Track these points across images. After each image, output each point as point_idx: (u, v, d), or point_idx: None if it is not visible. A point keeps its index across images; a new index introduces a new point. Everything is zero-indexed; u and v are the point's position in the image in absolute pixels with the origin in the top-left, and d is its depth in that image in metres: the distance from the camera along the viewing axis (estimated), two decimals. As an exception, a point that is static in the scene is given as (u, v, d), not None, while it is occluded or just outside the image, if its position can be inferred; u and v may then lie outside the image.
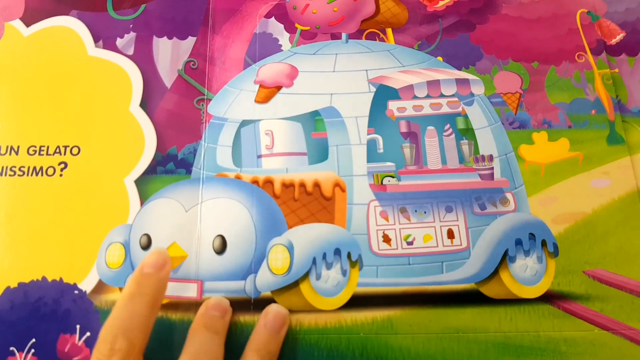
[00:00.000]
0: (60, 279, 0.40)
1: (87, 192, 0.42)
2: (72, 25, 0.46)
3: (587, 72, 0.44)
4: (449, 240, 0.41)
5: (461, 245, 0.41)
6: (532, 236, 0.41)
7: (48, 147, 0.42)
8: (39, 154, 0.42)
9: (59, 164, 0.42)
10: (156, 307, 0.36)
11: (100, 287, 0.40)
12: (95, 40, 0.45)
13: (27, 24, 0.46)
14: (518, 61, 0.45)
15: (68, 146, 0.42)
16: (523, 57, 0.45)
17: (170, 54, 0.46)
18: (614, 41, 0.45)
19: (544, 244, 0.40)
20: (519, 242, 0.40)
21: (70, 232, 0.41)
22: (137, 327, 0.34)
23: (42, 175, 0.42)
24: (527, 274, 0.40)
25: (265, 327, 0.38)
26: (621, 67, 0.44)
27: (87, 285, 0.40)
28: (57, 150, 0.42)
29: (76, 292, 0.39)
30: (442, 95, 0.44)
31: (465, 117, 0.44)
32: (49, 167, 0.42)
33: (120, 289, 0.40)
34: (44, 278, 0.39)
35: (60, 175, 0.42)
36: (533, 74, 0.44)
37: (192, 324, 0.37)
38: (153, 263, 0.37)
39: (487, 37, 0.45)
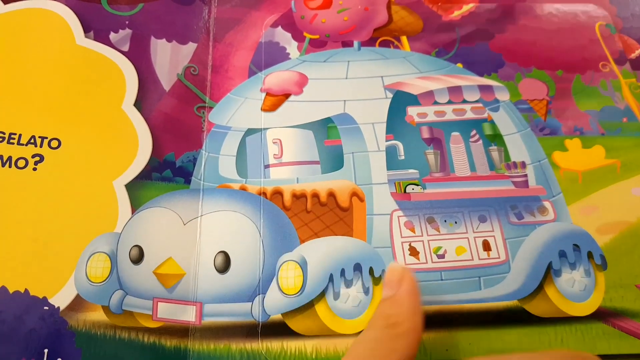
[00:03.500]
0: (26, 290, 0.32)
1: (67, 191, 0.36)
2: (58, 10, 0.41)
3: (613, 81, 0.42)
4: (485, 252, 0.36)
5: (499, 257, 0.36)
6: (576, 247, 0.36)
7: (20, 135, 0.36)
8: (8, 142, 0.36)
9: (33, 156, 0.36)
10: None
11: (77, 303, 0.33)
12: (86, 31, 0.41)
13: (5, 1, 0.41)
14: (542, 69, 0.43)
15: (46, 137, 0.36)
16: (546, 66, 0.43)
17: (169, 57, 0.42)
18: (633, 55, 0.44)
19: (590, 255, 0.36)
20: (562, 254, 0.36)
21: (43, 236, 0.34)
22: None
23: (9, 167, 0.35)
24: (576, 289, 0.35)
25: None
26: (646, 78, 0.42)
27: (60, 300, 0.33)
28: (32, 141, 0.36)
29: (46, 307, 0.32)
30: (465, 101, 0.41)
31: (492, 122, 0.40)
32: (20, 158, 0.36)
33: (104, 307, 0.33)
34: (3, 288, 0.32)
35: (34, 169, 0.36)
36: (558, 81, 0.42)
37: None
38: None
39: (507, 46, 0.43)
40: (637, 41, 0.44)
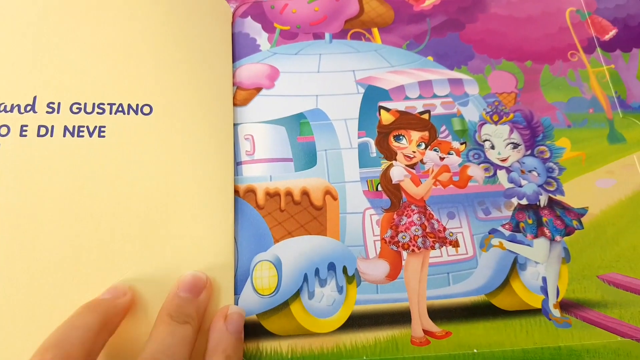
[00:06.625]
0: None
1: None
2: None
3: (581, 70, 0.43)
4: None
5: (467, 254, 0.37)
6: (541, 241, 0.38)
7: None
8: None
9: None
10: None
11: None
12: None
13: None
14: (511, 61, 0.43)
15: None
16: (516, 57, 0.43)
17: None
18: (607, 37, 0.44)
19: (554, 248, 0.38)
20: (528, 248, 0.37)
21: None
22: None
23: None
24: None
25: (228, 332, 0.33)
26: (617, 62, 0.43)
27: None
28: None
29: None
30: (435, 96, 0.41)
31: (461, 117, 0.41)
32: None
33: None
34: None
35: None
36: (527, 73, 0.42)
37: (159, 311, 0.32)
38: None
39: (477, 37, 0.43)
40: (611, 22, 0.45)
